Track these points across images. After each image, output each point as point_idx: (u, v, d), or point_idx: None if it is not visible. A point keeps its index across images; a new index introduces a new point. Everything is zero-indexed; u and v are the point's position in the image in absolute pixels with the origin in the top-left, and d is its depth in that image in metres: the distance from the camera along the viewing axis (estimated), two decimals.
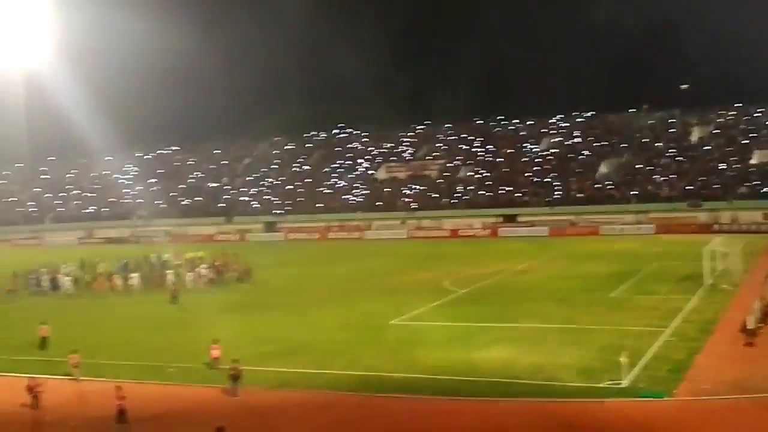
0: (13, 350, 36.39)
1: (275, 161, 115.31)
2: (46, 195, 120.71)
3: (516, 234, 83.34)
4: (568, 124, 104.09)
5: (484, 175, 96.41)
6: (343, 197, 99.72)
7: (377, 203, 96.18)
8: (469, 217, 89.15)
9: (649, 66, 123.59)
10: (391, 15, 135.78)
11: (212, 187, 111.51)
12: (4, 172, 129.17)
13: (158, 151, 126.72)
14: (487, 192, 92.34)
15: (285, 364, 31.00)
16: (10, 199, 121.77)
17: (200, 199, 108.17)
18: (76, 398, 29.19)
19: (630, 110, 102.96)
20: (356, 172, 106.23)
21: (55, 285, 56.89)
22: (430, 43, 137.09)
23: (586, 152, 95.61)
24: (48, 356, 33.98)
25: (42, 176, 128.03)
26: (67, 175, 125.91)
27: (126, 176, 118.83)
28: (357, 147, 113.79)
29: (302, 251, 78.96)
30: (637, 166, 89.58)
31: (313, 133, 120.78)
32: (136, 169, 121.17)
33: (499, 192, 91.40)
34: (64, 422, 26.21)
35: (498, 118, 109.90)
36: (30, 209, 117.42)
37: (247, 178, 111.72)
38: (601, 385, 25.95)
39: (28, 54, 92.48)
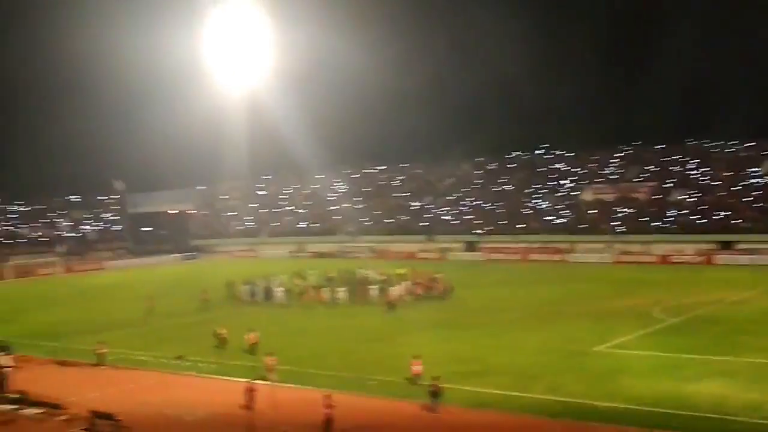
0: (228, 355, 38.98)
1: (477, 181, 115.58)
2: (262, 210, 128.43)
3: (734, 262, 77.88)
4: None
5: (698, 198, 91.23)
6: (545, 218, 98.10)
7: (581, 225, 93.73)
8: (681, 242, 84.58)
9: None
10: (597, 35, 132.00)
11: (415, 205, 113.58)
12: (226, 188, 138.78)
13: (365, 170, 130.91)
14: (701, 217, 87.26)
15: (483, 385, 30.91)
16: (230, 214, 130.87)
17: (403, 217, 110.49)
18: (283, 403, 30.69)
19: None
20: (559, 194, 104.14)
21: (268, 295, 60.37)
22: (639, 60, 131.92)
23: None
24: (256, 362, 35.97)
25: (259, 192, 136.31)
26: (281, 193, 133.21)
27: (335, 194, 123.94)
28: (561, 168, 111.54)
29: (502, 272, 78.40)
30: None
31: (517, 153, 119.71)
32: (344, 186, 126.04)
33: (714, 217, 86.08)
34: (274, 426, 27.61)
35: (714, 139, 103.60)
36: (247, 224, 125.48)
37: (449, 198, 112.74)
38: None
39: (249, 75, 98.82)
